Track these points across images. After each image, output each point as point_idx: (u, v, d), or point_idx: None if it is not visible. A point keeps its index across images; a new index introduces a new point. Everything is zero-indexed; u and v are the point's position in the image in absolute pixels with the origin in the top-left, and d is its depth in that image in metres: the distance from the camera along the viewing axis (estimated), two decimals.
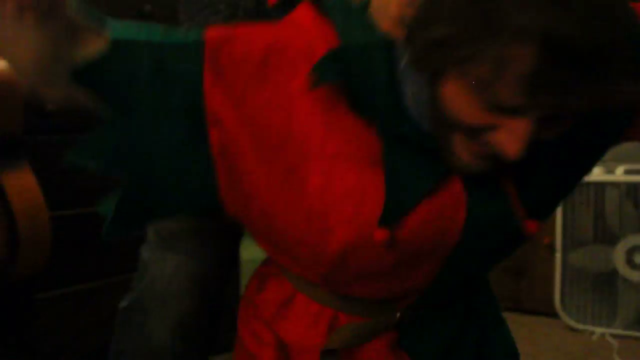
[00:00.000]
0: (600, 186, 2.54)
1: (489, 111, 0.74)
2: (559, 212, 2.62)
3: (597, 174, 2.53)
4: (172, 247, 1.30)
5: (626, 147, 2.32)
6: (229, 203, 0.92)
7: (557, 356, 2.39)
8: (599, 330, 2.57)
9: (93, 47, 0.84)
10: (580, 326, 2.62)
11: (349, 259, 0.88)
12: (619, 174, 2.52)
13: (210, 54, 0.87)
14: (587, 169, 0.98)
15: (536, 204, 0.90)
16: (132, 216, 0.93)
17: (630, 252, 2.49)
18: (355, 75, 0.84)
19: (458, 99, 0.76)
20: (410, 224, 0.86)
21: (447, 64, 0.74)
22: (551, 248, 2.69)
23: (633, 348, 2.42)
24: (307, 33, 0.87)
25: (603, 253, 2.55)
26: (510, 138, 0.75)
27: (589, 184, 2.55)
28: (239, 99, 0.87)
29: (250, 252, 1.45)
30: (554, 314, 2.70)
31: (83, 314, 1.93)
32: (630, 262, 2.49)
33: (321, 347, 0.98)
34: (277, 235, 0.91)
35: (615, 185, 2.52)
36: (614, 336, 2.52)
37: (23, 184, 1.51)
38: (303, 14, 0.90)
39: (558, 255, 2.65)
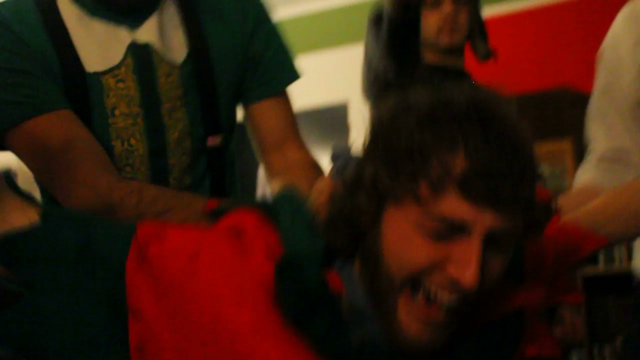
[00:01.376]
0: None
1: (436, 240, 0.78)
2: None
3: None
4: None
5: None
6: None
7: None
8: None
9: (20, 219, 0.83)
10: None
11: None
12: None
13: (138, 242, 0.85)
14: None
15: None
16: None
17: None
18: (291, 291, 0.82)
19: (402, 244, 0.79)
20: None
21: (387, 205, 0.80)
22: None
23: None
24: (242, 236, 0.86)
25: None
26: (463, 264, 0.77)
27: None
28: (163, 291, 0.83)
29: None
30: None
31: None
32: None
33: None
34: None
35: None
36: None
37: None
38: (246, 217, 0.87)
39: None
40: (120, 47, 1.15)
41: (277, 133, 1.29)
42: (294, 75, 1.32)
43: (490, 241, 0.79)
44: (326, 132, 4.15)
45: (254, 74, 1.27)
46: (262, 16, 1.28)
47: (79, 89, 1.15)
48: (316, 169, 1.26)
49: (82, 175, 1.10)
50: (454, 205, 0.76)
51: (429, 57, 2.03)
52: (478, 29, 2.14)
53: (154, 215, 1.06)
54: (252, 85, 1.27)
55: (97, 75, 1.15)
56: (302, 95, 3.07)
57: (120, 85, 1.16)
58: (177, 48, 1.19)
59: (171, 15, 1.21)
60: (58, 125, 1.13)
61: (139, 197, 1.08)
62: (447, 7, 2.00)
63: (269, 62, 1.27)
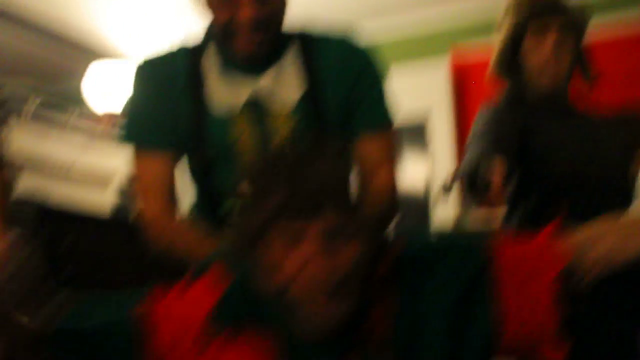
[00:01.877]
0: None
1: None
2: None
3: None
4: None
5: None
6: None
7: None
8: None
9: None
10: None
11: None
12: None
13: (143, 334, 1.12)
14: None
15: None
16: None
17: None
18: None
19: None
20: None
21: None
22: None
23: None
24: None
25: None
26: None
27: None
28: None
29: None
30: None
31: None
32: None
33: None
34: None
35: None
36: None
37: None
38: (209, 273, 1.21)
39: None
40: (245, 93, 1.50)
41: (370, 162, 1.55)
42: (386, 118, 1.61)
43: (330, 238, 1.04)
44: (407, 139, 4.32)
45: (354, 113, 1.56)
46: (366, 65, 1.56)
47: (200, 127, 1.51)
48: (385, 197, 1.52)
49: (149, 199, 1.56)
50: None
51: (534, 93, 2.02)
52: (581, 57, 2.07)
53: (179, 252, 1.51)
54: (353, 123, 1.56)
55: (224, 120, 1.51)
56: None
57: (242, 122, 1.52)
58: (290, 91, 1.50)
59: (291, 60, 1.52)
60: (156, 162, 1.55)
61: (171, 238, 1.55)
62: (551, 37, 1.96)
63: (367, 104, 1.56)
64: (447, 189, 1.57)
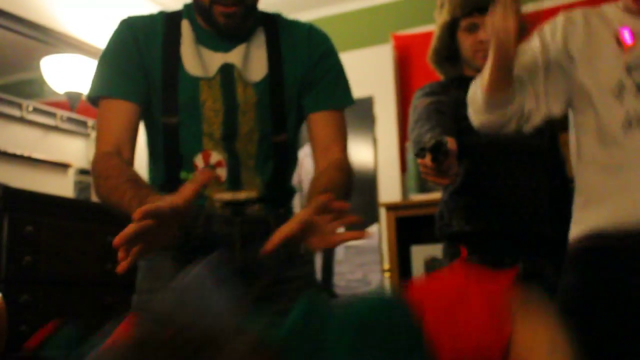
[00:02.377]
0: None
1: None
2: None
3: None
4: None
5: None
6: None
7: None
8: None
9: None
10: None
11: None
12: None
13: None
14: None
15: None
16: None
17: None
18: None
19: None
20: None
21: None
22: None
23: None
24: None
25: None
26: None
27: None
28: None
29: None
30: None
31: None
32: None
33: None
34: None
35: None
36: None
37: None
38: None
39: None
40: (215, 66, 1.61)
41: (325, 139, 1.67)
42: (346, 100, 1.74)
43: None
44: (354, 122, 4.52)
45: (312, 92, 1.69)
46: (326, 50, 1.71)
47: (172, 84, 1.60)
48: (346, 171, 1.61)
49: (99, 142, 1.58)
50: None
51: (469, 72, 2.23)
52: None
53: (103, 178, 1.47)
54: (311, 101, 1.68)
55: (197, 78, 1.61)
56: None
57: (210, 91, 1.60)
58: (258, 67, 1.64)
59: (258, 42, 1.67)
60: (119, 110, 1.59)
61: (100, 169, 1.50)
62: (481, 35, 2.16)
63: (325, 86, 1.70)
64: (418, 154, 1.70)
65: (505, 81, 1.65)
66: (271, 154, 1.65)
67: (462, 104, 2.15)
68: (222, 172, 1.60)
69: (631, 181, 1.59)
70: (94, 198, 3.55)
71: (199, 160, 1.60)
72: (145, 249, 1.23)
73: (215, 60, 1.63)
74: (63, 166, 3.72)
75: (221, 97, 1.60)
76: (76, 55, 3.77)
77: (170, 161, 1.62)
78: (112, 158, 1.52)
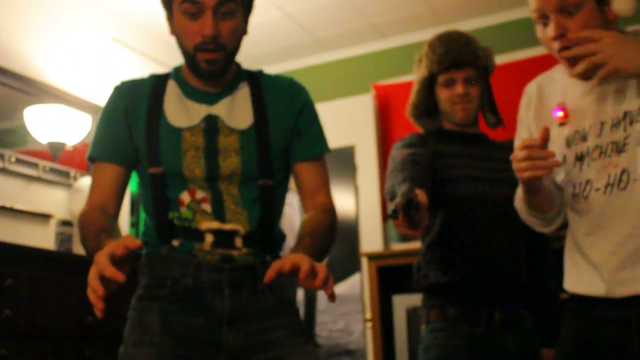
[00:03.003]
0: None
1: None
2: None
3: None
4: None
5: None
6: None
7: None
8: None
9: None
10: None
11: None
12: None
13: None
14: None
15: None
16: None
17: None
18: None
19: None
20: None
21: None
22: None
23: None
24: None
25: None
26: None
27: None
28: None
29: None
30: None
31: None
32: None
33: None
34: None
35: None
36: None
37: None
38: None
39: None
40: (199, 116, 1.72)
41: (312, 186, 1.81)
42: (325, 148, 1.85)
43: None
44: (336, 171, 4.55)
45: (298, 143, 1.80)
46: (307, 102, 1.82)
47: (154, 137, 1.72)
48: (332, 212, 1.78)
49: (88, 199, 1.75)
50: None
51: (448, 126, 2.30)
52: (488, 102, 2.34)
53: (83, 229, 1.63)
54: (296, 150, 1.80)
55: (179, 129, 1.71)
56: None
57: (193, 138, 1.71)
58: (244, 117, 1.74)
59: (243, 95, 1.77)
60: (106, 172, 1.76)
61: (83, 220, 1.65)
62: (458, 89, 2.24)
63: (310, 136, 1.81)
64: (391, 216, 1.75)
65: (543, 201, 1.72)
66: (257, 197, 1.73)
67: (439, 156, 2.19)
68: (207, 207, 1.69)
69: (581, 247, 1.67)
70: (76, 249, 3.54)
71: (184, 196, 1.70)
72: (107, 290, 1.38)
73: (200, 111, 1.73)
74: (45, 217, 3.71)
75: (203, 142, 1.71)
76: (59, 106, 3.78)
77: (158, 205, 1.71)
78: (92, 211, 1.68)
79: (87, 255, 1.56)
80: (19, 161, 3.63)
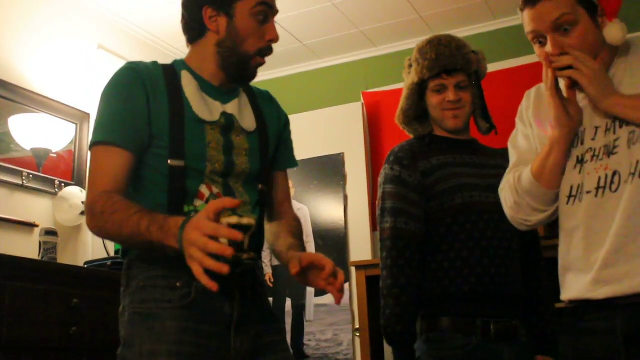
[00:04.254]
0: None
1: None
2: None
3: None
4: None
5: None
6: None
7: None
8: None
9: None
10: None
11: None
12: None
13: None
14: None
15: None
16: None
17: None
18: None
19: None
20: None
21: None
22: None
23: None
24: None
25: None
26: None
27: None
28: None
29: None
30: None
31: None
32: None
33: None
34: None
35: None
36: None
37: None
38: None
39: None
40: (217, 112, 1.72)
41: (284, 194, 1.93)
42: (295, 163, 1.98)
43: None
44: (325, 179, 4.54)
45: (283, 152, 1.91)
46: (287, 120, 1.91)
47: (180, 129, 1.67)
48: (298, 221, 1.89)
49: (96, 183, 1.64)
50: None
51: (439, 132, 2.27)
52: (480, 107, 2.32)
53: (108, 213, 1.54)
54: (280, 160, 1.91)
55: (203, 121, 1.70)
56: (307, 146, 3.54)
57: (213, 132, 1.71)
58: (249, 120, 1.78)
59: (244, 100, 1.81)
60: (117, 158, 1.64)
61: (104, 205, 1.56)
62: (449, 95, 2.20)
63: (289, 148, 1.94)
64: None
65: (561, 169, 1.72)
66: (257, 199, 1.78)
67: (432, 171, 2.15)
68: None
69: (575, 251, 1.68)
70: (60, 259, 3.48)
71: (204, 189, 1.67)
72: None
73: (217, 107, 1.74)
74: (29, 226, 3.65)
75: (222, 138, 1.71)
76: (43, 115, 3.74)
77: (174, 197, 1.65)
78: (114, 195, 1.58)
79: (129, 239, 1.52)
80: (2, 169, 3.58)
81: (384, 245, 2.18)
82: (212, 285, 1.31)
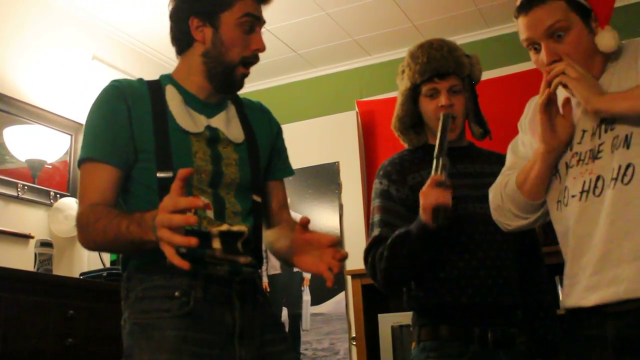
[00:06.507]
0: None
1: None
2: None
3: None
4: None
5: None
6: None
7: None
8: None
9: None
10: None
11: None
12: None
13: None
14: None
15: None
16: None
17: None
18: None
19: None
20: None
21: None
22: None
23: None
24: None
25: None
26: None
27: None
28: None
29: None
30: None
31: None
32: None
33: None
34: None
35: None
36: None
37: None
38: None
39: None
40: (202, 125, 1.73)
41: (278, 203, 1.93)
42: (291, 172, 2.00)
43: None
44: (320, 188, 4.55)
45: (277, 162, 1.92)
46: (279, 129, 1.92)
47: (165, 141, 1.69)
48: (293, 227, 1.82)
49: (85, 197, 1.67)
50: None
51: (433, 141, 2.09)
52: (474, 112, 2.27)
53: (92, 223, 1.56)
54: (275, 169, 1.92)
55: (188, 132, 1.72)
56: (302, 155, 3.52)
57: (199, 143, 1.72)
58: (237, 132, 1.79)
59: (232, 112, 1.82)
60: (104, 174, 1.67)
61: (88, 216, 1.60)
62: (442, 100, 2.15)
63: (284, 158, 1.96)
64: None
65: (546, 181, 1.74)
66: (250, 208, 1.78)
67: (419, 187, 2.11)
68: (211, 213, 1.68)
69: (567, 258, 1.69)
70: (56, 270, 3.48)
71: None
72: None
73: (201, 120, 1.76)
74: (24, 237, 3.65)
75: (208, 149, 1.73)
76: (38, 126, 3.74)
77: None
78: (96, 206, 1.62)
79: (114, 243, 1.54)
80: None
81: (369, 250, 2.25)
82: (183, 264, 1.32)
